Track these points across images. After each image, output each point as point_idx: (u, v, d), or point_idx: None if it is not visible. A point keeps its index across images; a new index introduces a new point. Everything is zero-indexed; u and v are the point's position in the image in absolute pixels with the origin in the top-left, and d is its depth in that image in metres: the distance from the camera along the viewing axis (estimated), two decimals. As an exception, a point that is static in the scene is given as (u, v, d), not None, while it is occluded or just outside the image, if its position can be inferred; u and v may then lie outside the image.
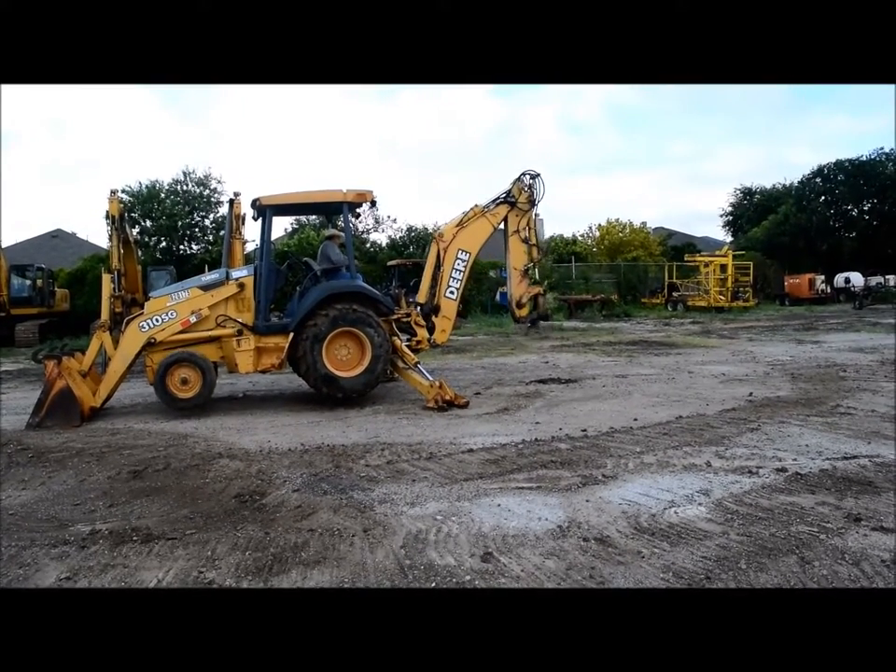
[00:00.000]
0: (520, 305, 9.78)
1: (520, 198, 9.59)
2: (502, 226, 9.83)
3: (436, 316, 9.35)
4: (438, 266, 9.50)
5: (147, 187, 27.70)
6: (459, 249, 9.44)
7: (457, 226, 9.53)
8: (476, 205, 9.63)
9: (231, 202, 10.99)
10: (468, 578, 3.42)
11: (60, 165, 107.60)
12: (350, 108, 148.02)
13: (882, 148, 43.01)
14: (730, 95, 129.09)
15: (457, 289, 9.45)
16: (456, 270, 9.42)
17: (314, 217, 28.54)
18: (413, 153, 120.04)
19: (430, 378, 8.47)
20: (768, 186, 51.78)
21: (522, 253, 9.72)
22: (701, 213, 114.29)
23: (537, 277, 10.10)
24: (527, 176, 9.61)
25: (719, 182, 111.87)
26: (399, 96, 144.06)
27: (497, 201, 9.64)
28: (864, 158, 43.29)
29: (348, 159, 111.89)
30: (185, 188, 28.24)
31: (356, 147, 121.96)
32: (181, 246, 28.19)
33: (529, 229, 9.66)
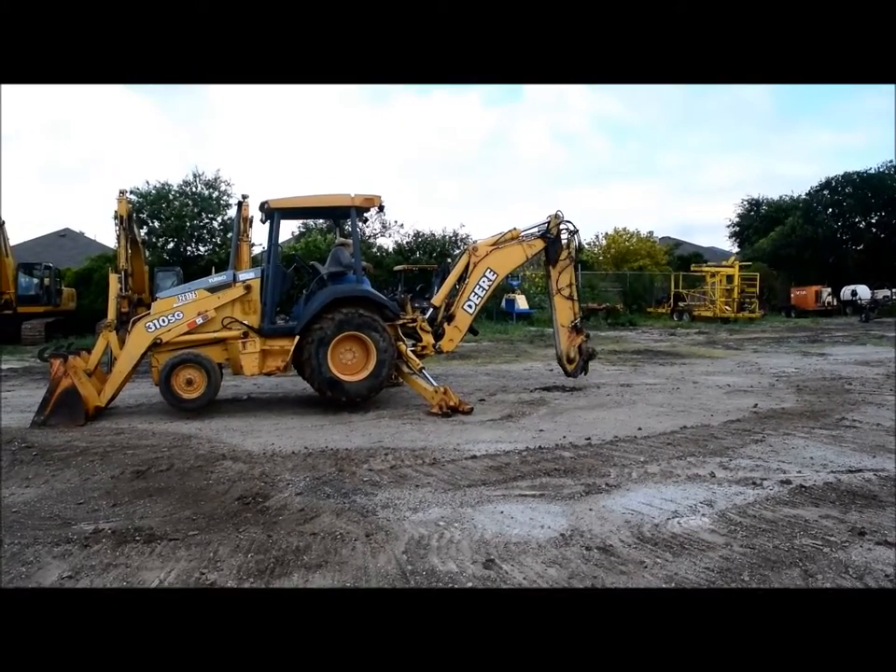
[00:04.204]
0: (570, 360, 9.93)
1: (560, 255, 9.80)
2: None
3: (448, 324, 9.39)
4: (463, 277, 9.59)
5: (155, 188, 27.81)
6: (488, 268, 9.56)
7: (492, 245, 9.63)
8: (515, 228, 9.77)
9: (239, 204, 11.05)
10: (469, 584, 3.41)
11: (62, 165, 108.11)
12: (347, 115, 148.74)
13: (891, 161, 42.99)
14: (714, 108, 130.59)
15: (476, 304, 9.53)
16: (480, 286, 9.52)
17: (321, 220, 28.60)
18: (411, 160, 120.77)
19: (435, 384, 8.47)
20: (775, 197, 51.80)
21: (568, 309, 9.95)
22: (696, 224, 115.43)
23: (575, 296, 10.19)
24: (559, 216, 9.80)
25: (711, 194, 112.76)
26: (394, 105, 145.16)
27: (535, 234, 9.81)
28: (872, 171, 43.25)
29: (348, 164, 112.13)
30: (194, 189, 28.34)
31: (355, 153, 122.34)
32: (189, 247, 28.27)
33: (572, 285, 9.85)
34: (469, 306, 9.50)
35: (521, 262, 10.11)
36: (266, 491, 5.03)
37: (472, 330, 10.27)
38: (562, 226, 9.89)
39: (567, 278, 9.89)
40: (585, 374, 10.18)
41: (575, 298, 9.99)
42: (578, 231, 10.08)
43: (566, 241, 9.98)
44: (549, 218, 9.89)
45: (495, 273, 9.60)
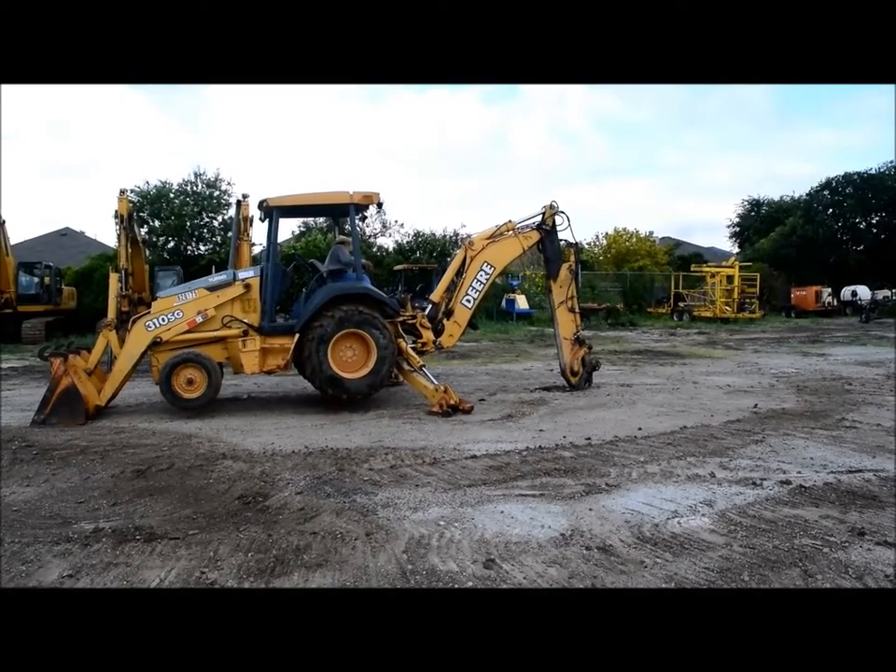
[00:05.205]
0: (574, 373, 9.93)
1: (563, 269, 9.83)
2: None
3: (447, 319, 9.39)
4: (460, 272, 9.58)
5: (155, 187, 27.81)
6: (485, 262, 9.56)
7: (488, 238, 9.63)
8: (510, 221, 9.75)
9: (239, 203, 11.07)
10: (469, 584, 3.41)
11: (63, 165, 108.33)
12: (345, 114, 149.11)
13: (891, 162, 42.98)
14: (714, 108, 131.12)
15: (474, 299, 9.53)
16: (478, 280, 9.53)
17: (321, 219, 28.62)
18: (411, 160, 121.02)
19: (435, 382, 8.47)
20: (775, 197, 51.78)
21: (570, 322, 9.97)
22: (696, 224, 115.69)
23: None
24: (554, 207, 9.77)
25: (711, 193, 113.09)
26: (393, 103, 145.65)
27: (530, 226, 9.80)
28: (873, 171, 43.23)
29: (348, 163, 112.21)
30: (195, 188, 28.35)
31: (354, 152, 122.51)
32: (189, 247, 28.26)
33: (574, 298, 9.87)
34: (468, 301, 9.49)
35: (517, 255, 10.08)
36: (266, 490, 5.03)
37: (472, 325, 10.26)
38: (557, 217, 9.86)
39: (570, 292, 9.90)
40: (589, 386, 10.15)
41: (577, 311, 10.01)
42: (578, 243, 10.09)
43: (564, 245, 9.98)
44: (543, 209, 9.87)
45: (492, 266, 9.60)
